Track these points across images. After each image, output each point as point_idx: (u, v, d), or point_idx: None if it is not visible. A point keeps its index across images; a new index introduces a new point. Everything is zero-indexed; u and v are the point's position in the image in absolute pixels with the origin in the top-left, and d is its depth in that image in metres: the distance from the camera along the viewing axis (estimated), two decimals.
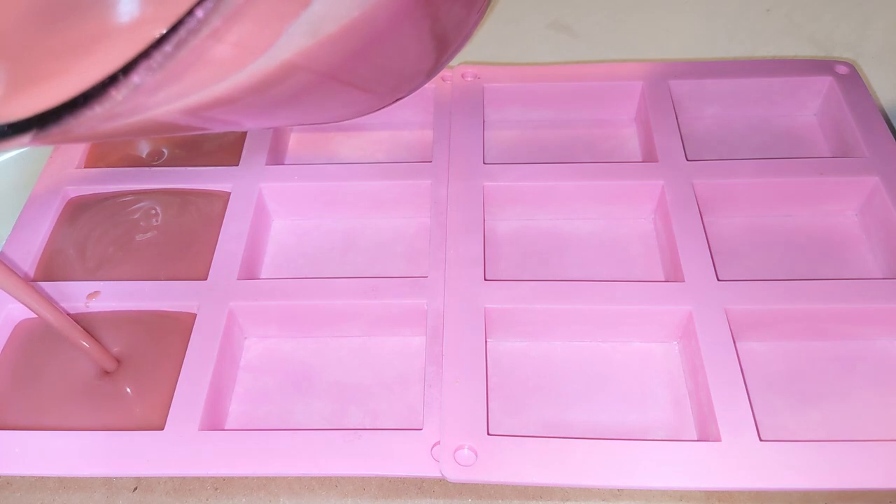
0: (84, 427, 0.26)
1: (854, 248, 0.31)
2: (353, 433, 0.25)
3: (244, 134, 0.34)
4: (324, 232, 0.33)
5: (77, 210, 0.33)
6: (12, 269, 0.23)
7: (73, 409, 0.26)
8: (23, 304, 0.23)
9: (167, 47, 0.12)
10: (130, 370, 0.27)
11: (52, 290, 0.29)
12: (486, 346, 0.27)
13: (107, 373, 0.27)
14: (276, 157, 0.35)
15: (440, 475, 0.24)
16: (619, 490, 0.25)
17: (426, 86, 0.35)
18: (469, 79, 0.36)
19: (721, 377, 0.25)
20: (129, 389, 0.27)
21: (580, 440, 0.24)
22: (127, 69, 0.13)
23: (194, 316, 0.28)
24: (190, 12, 0.12)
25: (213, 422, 0.26)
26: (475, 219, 0.30)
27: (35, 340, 0.28)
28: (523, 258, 0.31)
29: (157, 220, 0.32)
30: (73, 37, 0.16)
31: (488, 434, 0.24)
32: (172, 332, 0.28)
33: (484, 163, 0.32)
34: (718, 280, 0.28)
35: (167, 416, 0.25)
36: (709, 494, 0.25)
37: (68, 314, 0.26)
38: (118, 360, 0.27)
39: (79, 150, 0.35)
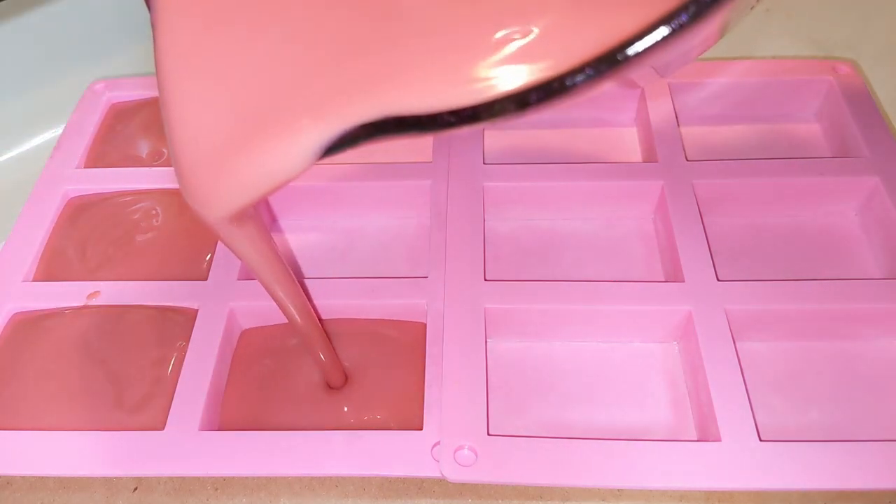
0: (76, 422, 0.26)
1: (854, 248, 0.31)
2: (353, 433, 0.25)
3: None
4: (324, 232, 0.33)
5: (77, 210, 0.33)
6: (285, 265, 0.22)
7: (65, 406, 0.26)
8: (277, 300, 0.23)
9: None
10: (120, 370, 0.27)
11: (53, 290, 0.29)
12: (486, 346, 0.27)
13: (331, 387, 0.27)
14: None
15: (440, 475, 0.24)
16: (619, 490, 0.25)
17: None
18: None
19: (721, 377, 0.25)
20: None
21: (580, 440, 0.24)
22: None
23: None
24: None
25: (213, 422, 0.26)
26: (475, 219, 0.30)
27: (27, 334, 0.28)
28: (523, 258, 0.31)
29: (157, 220, 0.32)
30: None
31: (488, 434, 0.24)
32: None
33: (484, 163, 0.32)
34: (718, 280, 0.28)
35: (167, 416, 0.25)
36: (709, 494, 0.25)
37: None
38: (347, 376, 0.27)
39: (79, 150, 0.35)
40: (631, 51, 0.13)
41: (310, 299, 0.28)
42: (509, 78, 0.14)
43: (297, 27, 0.16)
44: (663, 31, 0.13)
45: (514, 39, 0.14)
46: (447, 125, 0.15)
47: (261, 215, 0.20)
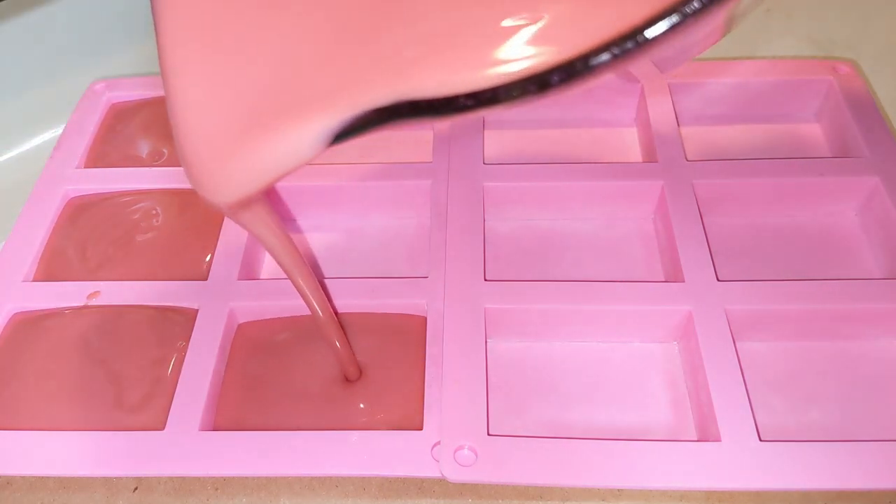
0: (74, 422, 0.26)
1: (854, 248, 0.31)
2: (353, 433, 0.25)
3: None
4: (324, 232, 0.33)
5: (77, 210, 0.33)
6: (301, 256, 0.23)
7: (64, 406, 0.26)
8: (297, 289, 0.23)
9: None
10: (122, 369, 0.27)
11: (53, 290, 0.29)
12: (486, 346, 0.27)
13: (347, 379, 0.27)
14: None
15: (440, 475, 0.24)
16: (619, 490, 0.25)
17: None
18: None
19: (721, 377, 0.25)
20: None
21: (580, 440, 0.24)
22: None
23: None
24: None
25: (213, 422, 0.26)
26: (475, 219, 0.30)
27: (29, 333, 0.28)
28: (523, 258, 0.31)
29: (157, 220, 0.32)
30: None
31: (488, 434, 0.24)
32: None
33: (484, 163, 0.32)
34: (718, 280, 0.28)
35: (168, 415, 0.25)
36: (709, 494, 0.25)
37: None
38: (361, 370, 0.27)
39: (79, 150, 0.35)
40: (659, 28, 0.13)
41: None
42: (529, 59, 0.14)
43: (308, 12, 0.16)
44: (695, 4, 0.13)
45: (532, 23, 0.14)
46: (463, 109, 0.14)
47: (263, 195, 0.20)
